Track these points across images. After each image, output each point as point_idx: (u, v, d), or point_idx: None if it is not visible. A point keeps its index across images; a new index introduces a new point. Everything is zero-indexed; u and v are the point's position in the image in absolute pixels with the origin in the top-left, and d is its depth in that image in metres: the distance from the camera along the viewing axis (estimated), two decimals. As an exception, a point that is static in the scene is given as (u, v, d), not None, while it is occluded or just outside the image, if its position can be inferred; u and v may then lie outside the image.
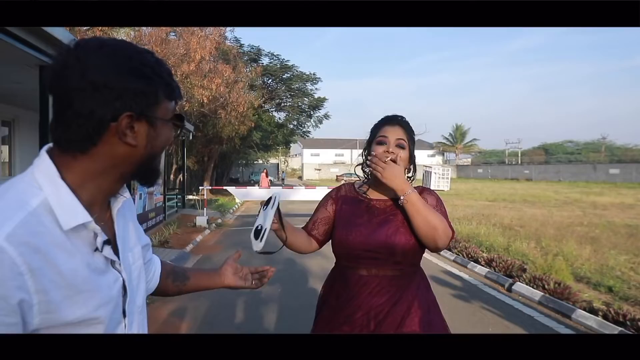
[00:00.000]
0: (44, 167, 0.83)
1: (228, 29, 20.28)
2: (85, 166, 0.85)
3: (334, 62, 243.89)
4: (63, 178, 0.83)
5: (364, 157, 1.85)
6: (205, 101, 17.69)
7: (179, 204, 15.66)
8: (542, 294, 5.59)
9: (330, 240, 1.86)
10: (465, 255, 8.02)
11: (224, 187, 13.46)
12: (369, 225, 1.73)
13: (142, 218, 9.49)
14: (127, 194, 0.98)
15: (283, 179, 42.95)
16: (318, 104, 32.00)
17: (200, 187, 13.57)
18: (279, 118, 31.98)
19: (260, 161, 44.24)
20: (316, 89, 39.60)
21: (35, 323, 0.77)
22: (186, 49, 16.78)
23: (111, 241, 0.90)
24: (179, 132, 0.98)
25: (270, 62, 29.27)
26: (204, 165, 28.34)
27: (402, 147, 1.73)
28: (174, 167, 22.93)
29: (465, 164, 71.70)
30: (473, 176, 63.34)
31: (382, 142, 1.74)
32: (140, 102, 0.84)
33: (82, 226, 0.83)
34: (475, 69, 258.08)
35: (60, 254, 0.78)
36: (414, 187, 1.73)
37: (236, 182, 39.69)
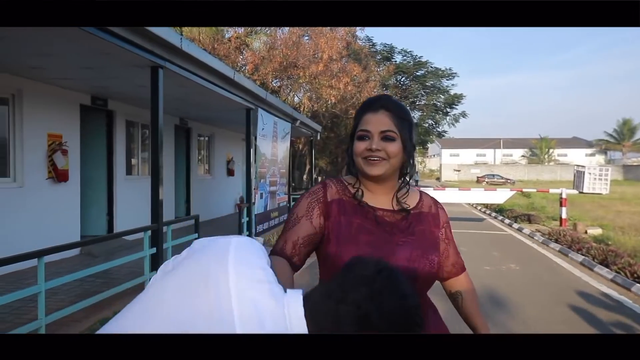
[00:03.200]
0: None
1: (358, 28, 20.05)
2: None
3: (471, 57, 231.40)
4: None
5: (347, 154, 1.45)
6: (334, 101, 17.72)
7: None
8: None
9: (316, 255, 1.42)
10: (628, 275, 6.44)
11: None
12: (383, 247, 1.31)
13: (263, 217, 9.56)
14: None
15: (417, 181, 41.62)
16: (454, 101, 30.18)
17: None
18: (414, 117, 30.95)
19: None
20: (452, 85, 37.57)
21: None
22: (315, 50, 16.98)
23: None
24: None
25: (404, 60, 28.44)
26: (337, 165, 28.77)
27: (391, 140, 1.34)
28: (307, 167, 23.54)
29: (634, 164, 61.87)
30: (645, 178, 54.27)
31: (363, 136, 1.36)
32: None
33: None
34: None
35: None
36: (416, 191, 1.47)
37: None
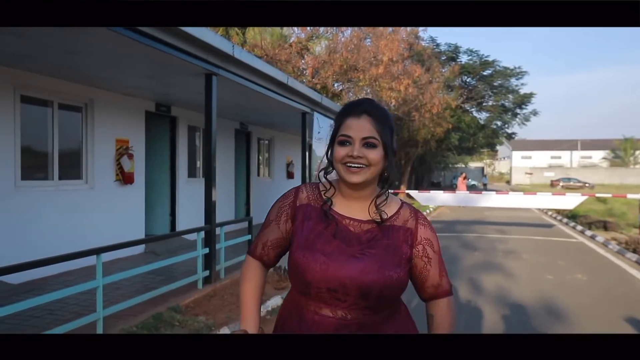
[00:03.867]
0: None
1: (421, 28, 19.70)
2: None
3: (543, 55, 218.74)
4: None
5: (327, 159, 1.41)
6: (394, 103, 17.52)
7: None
8: None
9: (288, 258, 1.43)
10: None
11: (405, 191, 12.95)
12: (338, 257, 1.31)
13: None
14: None
15: (485, 184, 39.96)
16: (524, 100, 28.74)
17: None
18: (480, 118, 29.84)
19: (462, 165, 42.19)
20: (522, 84, 35.73)
21: None
22: (375, 52, 16.89)
23: None
24: None
25: (469, 59, 27.53)
26: (400, 168, 28.44)
27: (372, 146, 1.32)
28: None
29: None
30: None
31: (344, 142, 1.33)
32: None
33: None
34: None
35: None
36: (398, 201, 1.43)
37: (438, 186, 38.69)
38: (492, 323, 4.87)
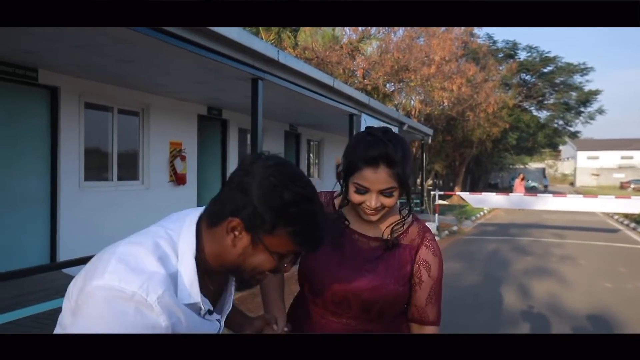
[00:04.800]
0: (188, 241, 1.00)
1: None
2: (210, 240, 1.02)
3: (611, 48, 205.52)
4: (198, 245, 1.01)
5: (340, 185, 1.40)
6: (446, 103, 17.18)
7: (416, 208, 15.56)
8: None
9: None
10: None
11: (457, 193, 12.67)
12: (344, 272, 1.34)
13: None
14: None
15: (546, 186, 38.17)
16: (589, 98, 27.22)
17: (432, 193, 13.16)
18: (540, 117, 28.57)
19: (520, 165, 40.51)
20: (586, 81, 33.81)
21: None
22: (427, 52, 16.63)
23: (210, 298, 1.07)
24: (277, 268, 1.04)
25: (529, 56, 26.45)
26: (455, 169, 27.73)
27: (390, 195, 1.30)
28: (420, 171, 23.07)
29: None
30: None
31: (360, 190, 1.30)
32: (255, 221, 0.96)
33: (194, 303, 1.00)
34: None
35: (181, 314, 0.98)
36: (412, 220, 1.42)
37: (495, 188, 37.40)
38: (536, 331, 4.71)
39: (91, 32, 4.21)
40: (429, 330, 1.41)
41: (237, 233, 0.98)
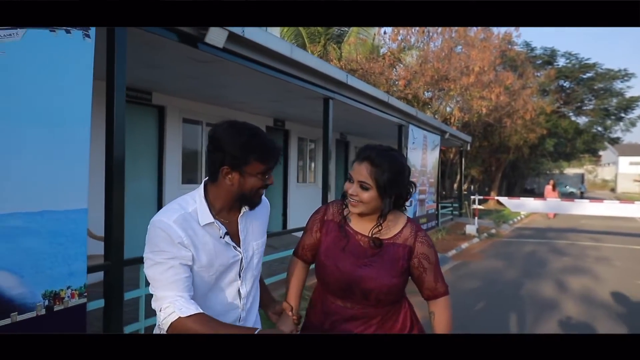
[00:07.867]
0: (199, 191, 1.51)
1: (514, 34, 19.55)
2: (214, 190, 1.50)
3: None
4: (206, 197, 1.50)
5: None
6: (485, 111, 17.64)
7: (454, 212, 16.27)
8: None
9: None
10: None
11: (495, 197, 13.30)
12: (348, 266, 1.66)
13: (411, 222, 10.54)
14: (263, 202, 1.63)
15: (582, 192, 37.59)
16: (630, 104, 27.07)
17: (472, 197, 13.81)
18: (578, 122, 28.50)
19: (557, 171, 39.97)
20: (628, 87, 33.39)
21: (193, 267, 1.44)
22: (466, 62, 17.11)
23: (232, 233, 1.51)
24: (266, 183, 1.49)
25: (567, 63, 26.57)
26: (491, 174, 27.95)
27: (365, 189, 1.61)
28: (458, 177, 23.51)
29: None
30: None
31: (350, 179, 1.66)
32: (235, 162, 1.42)
33: (210, 224, 1.46)
34: None
35: (201, 236, 1.45)
36: (403, 222, 1.69)
37: (531, 193, 37.17)
38: (568, 319, 5.51)
39: (196, 64, 5.07)
40: (444, 300, 1.70)
41: (230, 176, 1.42)
